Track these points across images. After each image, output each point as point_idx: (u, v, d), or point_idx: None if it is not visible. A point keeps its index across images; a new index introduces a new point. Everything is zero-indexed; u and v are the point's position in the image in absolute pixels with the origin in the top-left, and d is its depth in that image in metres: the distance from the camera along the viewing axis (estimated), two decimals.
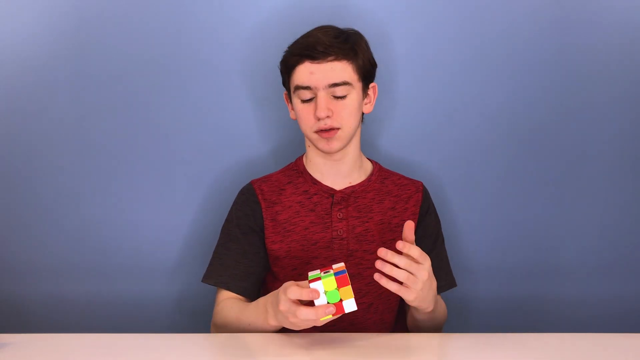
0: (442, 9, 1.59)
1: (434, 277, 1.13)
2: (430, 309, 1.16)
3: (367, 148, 1.50)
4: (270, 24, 1.59)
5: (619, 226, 1.66)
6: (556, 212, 1.65)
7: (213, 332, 1.29)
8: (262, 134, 1.62)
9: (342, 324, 1.26)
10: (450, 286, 1.38)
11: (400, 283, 1.06)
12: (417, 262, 1.06)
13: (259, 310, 1.17)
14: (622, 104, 1.62)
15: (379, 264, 1.04)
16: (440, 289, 1.33)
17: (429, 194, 1.42)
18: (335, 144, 1.29)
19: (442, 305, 1.32)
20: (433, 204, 1.42)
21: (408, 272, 1.05)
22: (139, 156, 1.62)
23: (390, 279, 1.05)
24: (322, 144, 1.29)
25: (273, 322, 1.12)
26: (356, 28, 1.34)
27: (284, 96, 1.38)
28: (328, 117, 1.26)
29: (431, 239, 1.38)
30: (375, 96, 1.37)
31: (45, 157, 1.61)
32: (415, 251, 1.06)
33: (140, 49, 1.59)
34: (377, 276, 1.05)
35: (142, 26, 1.59)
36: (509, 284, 1.67)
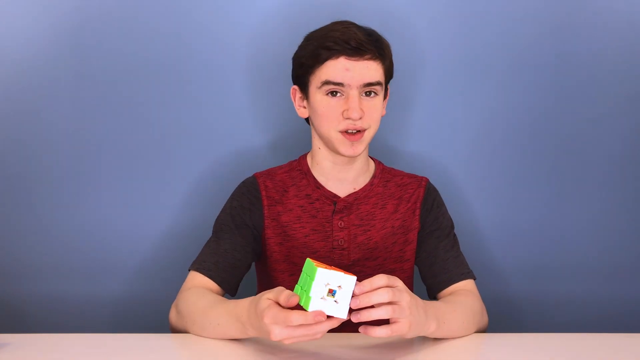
0: (445, 9, 1.60)
1: (414, 295, 1.01)
2: (432, 329, 1.05)
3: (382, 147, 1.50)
4: (270, 20, 1.59)
5: (619, 227, 1.66)
6: (556, 212, 1.66)
7: (172, 318, 1.20)
8: (260, 128, 1.62)
9: (344, 330, 1.22)
10: (470, 276, 1.28)
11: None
12: (390, 286, 0.95)
13: (230, 318, 1.06)
14: (624, 105, 1.63)
15: (355, 318, 0.92)
16: (460, 277, 1.26)
17: (434, 190, 1.36)
18: (359, 147, 1.23)
19: (463, 314, 1.16)
20: (441, 200, 1.36)
21: (391, 305, 0.94)
22: (138, 156, 1.62)
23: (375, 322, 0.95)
24: (345, 147, 1.23)
25: (252, 334, 1.02)
26: None
27: (292, 92, 1.30)
28: (360, 118, 1.20)
29: (443, 232, 1.32)
30: (387, 98, 1.32)
31: (44, 157, 1.61)
32: (381, 280, 0.94)
33: (140, 48, 1.59)
34: (362, 330, 0.94)
35: (141, 26, 1.59)
36: (509, 284, 1.67)
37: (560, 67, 1.62)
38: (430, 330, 1.05)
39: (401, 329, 0.96)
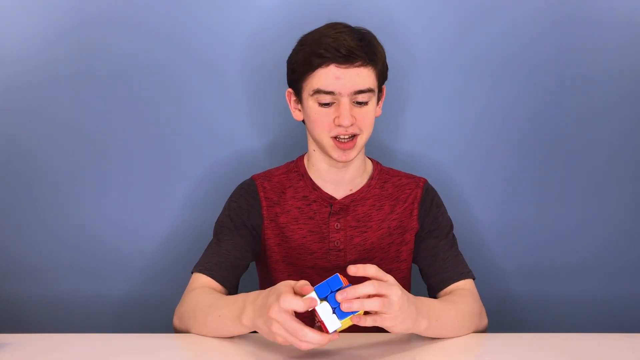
0: (442, 9, 1.60)
1: (407, 292, 1.01)
2: (423, 327, 1.04)
3: (378, 147, 1.50)
4: (268, 22, 1.59)
5: (619, 226, 1.66)
6: (556, 212, 1.66)
7: (176, 321, 1.19)
8: (258, 129, 1.63)
9: (342, 330, 1.21)
10: (470, 275, 1.28)
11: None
12: (378, 279, 0.96)
13: (236, 304, 1.06)
14: (623, 105, 1.63)
15: (345, 308, 0.92)
16: (460, 277, 1.26)
17: (432, 190, 1.36)
18: (351, 154, 1.24)
19: (458, 314, 1.15)
20: (440, 200, 1.36)
21: (380, 297, 0.94)
22: (137, 157, 1.62)
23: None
24: (337, 154, 1.24)
25: (247, 322, 1.02)
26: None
27: (287, 95, 1.30)
28: (351, 124, 1.20)
29: (442, 232, 1.32)
30: (383, 99, 1.32)
31: (44, 157, 1.61)
32: (372, 270, 0.95)
33: (139, 48, 1.59)
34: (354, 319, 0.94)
35: (141, 26, 1.59)
36: (507, 283, 1.67)
37: (557, 67, 1.62)
38: (422, 328, 1.04)
39: (384, 322, 0.96)
